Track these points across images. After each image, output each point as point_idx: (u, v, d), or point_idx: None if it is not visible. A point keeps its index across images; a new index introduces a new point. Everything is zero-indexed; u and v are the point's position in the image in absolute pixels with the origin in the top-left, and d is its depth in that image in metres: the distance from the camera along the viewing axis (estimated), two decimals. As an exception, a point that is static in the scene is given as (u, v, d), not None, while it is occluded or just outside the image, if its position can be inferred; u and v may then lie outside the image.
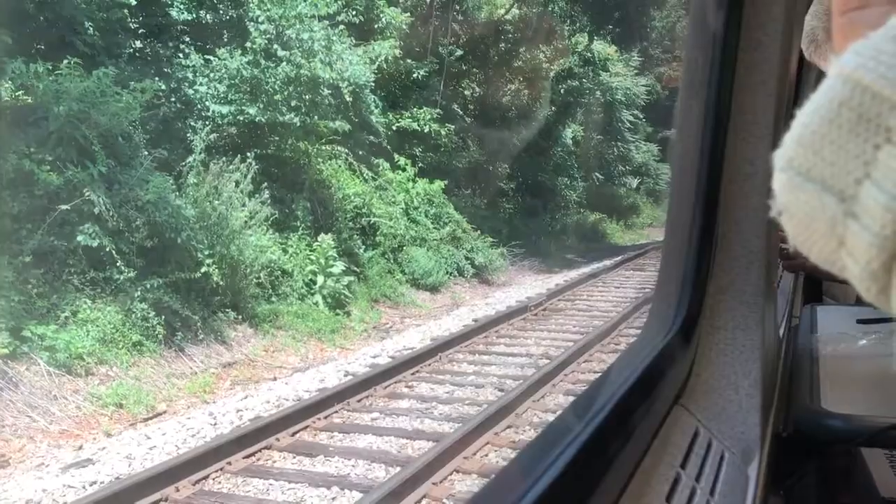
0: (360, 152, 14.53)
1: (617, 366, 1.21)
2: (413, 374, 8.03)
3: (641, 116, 29.54)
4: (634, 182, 32.41)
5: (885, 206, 0.33)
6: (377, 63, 14.16)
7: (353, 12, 13.26)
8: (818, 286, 3.61)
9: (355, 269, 12.33)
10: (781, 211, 0.39)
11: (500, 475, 0.85)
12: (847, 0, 0.41)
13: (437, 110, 16.99)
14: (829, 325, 2.37)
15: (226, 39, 11.92)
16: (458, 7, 18.87)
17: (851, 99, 0.34)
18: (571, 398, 7.21)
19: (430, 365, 8.39)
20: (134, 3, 10.26)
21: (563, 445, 0.72)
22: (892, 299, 0.34)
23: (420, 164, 16.18)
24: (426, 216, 15.25)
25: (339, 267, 11.35)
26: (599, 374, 7.99)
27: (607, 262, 18.14)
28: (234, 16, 11.74)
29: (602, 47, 24.10)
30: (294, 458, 5.81)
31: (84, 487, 5.27)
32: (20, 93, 8.57)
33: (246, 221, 10.19)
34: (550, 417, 6.71)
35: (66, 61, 8.52)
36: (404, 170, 15.45)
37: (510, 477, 0.77)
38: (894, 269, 0.34)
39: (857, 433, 1.52)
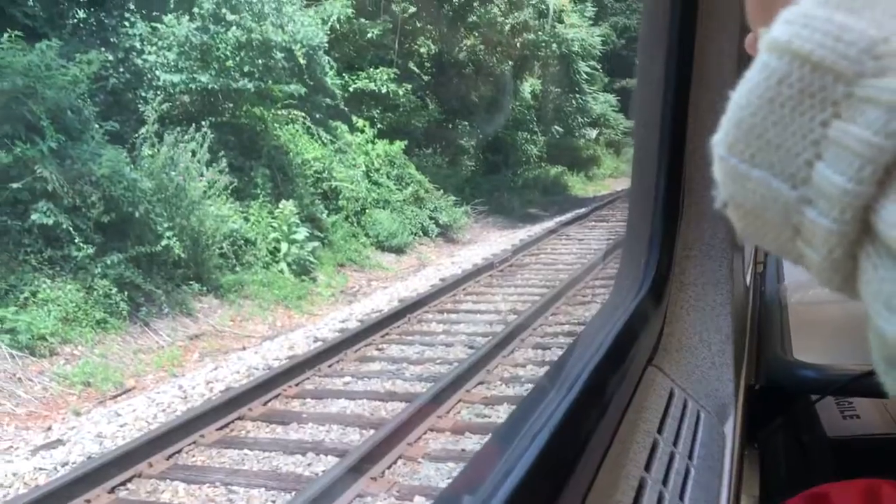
0: (318, 116, 14.31)
1: (588, 331, 1.19)
2: (383, 336, 8.02)
3: (598, 67, 29.44)
4: (594, 133, 32.40)
5: (843, 188, 0.30)
6: (330, 23, 13.93)
7: (303, -28, 12.98)
8: None
9: (319, 234, 12.23)
10: (727, 202, 0.36)
11: (477, 458, 0.83)
12: None
13: (394, 70, 16.75)
14: (795, 271, 2.38)
15: (172, 5, 11.58)
16: (409, -38, 18.54)
17: (790, 74, 0.31)
18: (540, 352, 7.26)
19: (399, 326, 8.38)
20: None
21: (539, 425, 0.70)
22: (857, 288, 0.32)
23: (379, 126, 15.97)
24: (388, 178, 15.12)
25: (302, 233, 11.25)
26: (566, 325, 8.06)
27: (570, 215, 18.21)
28: (180, -20, 11.43)
29: (556, -1, 23.90)
30: (267, 426, 5.79)
31: (56, 469, 5.20)
32: (-40, 69, 8.29)
33: (205, 191, 10.04)
34: (521, 372, 6.75)
35: (6, 35, 8.23)
36: (363, 131, 15.25)
37: (488, 460, 0.74)
38: (859, 255, 0.31)
39: (826, 383, 1.53)
